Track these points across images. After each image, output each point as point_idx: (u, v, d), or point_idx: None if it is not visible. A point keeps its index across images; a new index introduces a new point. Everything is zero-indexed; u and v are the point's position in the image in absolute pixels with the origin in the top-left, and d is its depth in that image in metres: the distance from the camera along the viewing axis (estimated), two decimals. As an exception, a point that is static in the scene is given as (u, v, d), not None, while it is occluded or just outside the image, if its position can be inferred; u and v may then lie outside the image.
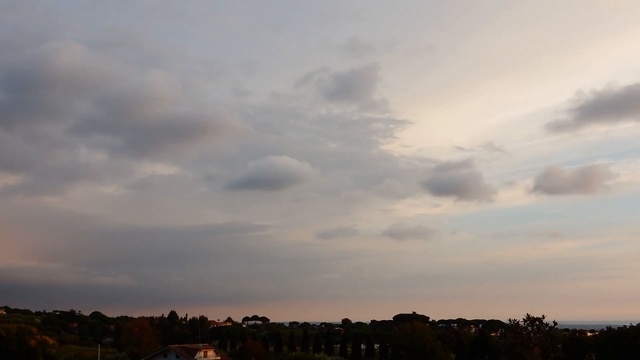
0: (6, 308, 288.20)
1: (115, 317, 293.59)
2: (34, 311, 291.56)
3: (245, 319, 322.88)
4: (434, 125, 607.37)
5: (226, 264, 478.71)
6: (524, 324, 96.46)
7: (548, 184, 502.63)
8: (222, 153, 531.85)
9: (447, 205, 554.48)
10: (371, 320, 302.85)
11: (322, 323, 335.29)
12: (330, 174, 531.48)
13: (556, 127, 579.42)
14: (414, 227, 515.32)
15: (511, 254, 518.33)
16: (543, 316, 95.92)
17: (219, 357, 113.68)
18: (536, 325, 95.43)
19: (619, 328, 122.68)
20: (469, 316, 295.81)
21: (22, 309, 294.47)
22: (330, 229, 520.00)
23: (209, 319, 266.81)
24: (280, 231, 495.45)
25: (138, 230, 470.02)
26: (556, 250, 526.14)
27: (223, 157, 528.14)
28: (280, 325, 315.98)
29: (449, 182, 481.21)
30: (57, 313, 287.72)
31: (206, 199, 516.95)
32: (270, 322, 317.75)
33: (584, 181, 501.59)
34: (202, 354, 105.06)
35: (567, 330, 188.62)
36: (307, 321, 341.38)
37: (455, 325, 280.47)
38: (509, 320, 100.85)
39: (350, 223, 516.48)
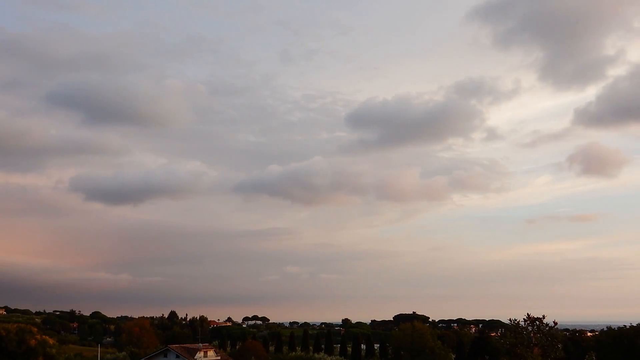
0: (6, 308, 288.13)
1: (115, 317, 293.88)
2: (34, 311, 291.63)
3: (245, 319, 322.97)
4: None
5: (226, 264, 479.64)
6: (524, 324, 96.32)
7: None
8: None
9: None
10: (371, 320, 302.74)
11: (322, 323, 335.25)
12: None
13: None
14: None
15: (512, 254, 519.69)
16: (543, 316, 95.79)
17: (219, 357, 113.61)
18: (536, 325, 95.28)
19: (619, 328, 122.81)
20: (469, 316, 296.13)
21: (22, 309, 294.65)
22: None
23: (209, 319, 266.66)
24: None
25: (138, 230, 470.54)
26: (557, 250, 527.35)
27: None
28: (280, 325, 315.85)
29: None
30: (57, 313, 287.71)
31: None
32: (270, 322, 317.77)
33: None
34: (202, 354, 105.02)
35: (567, 330, 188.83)
36: (307, 321, 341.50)
37: (455, 325, 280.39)
38: (509, 320, 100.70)
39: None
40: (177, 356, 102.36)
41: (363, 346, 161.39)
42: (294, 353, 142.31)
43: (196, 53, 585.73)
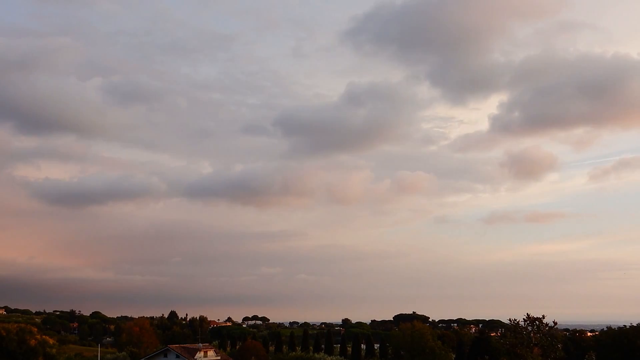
0: (6, 308, 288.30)
1: (115, 317, 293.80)
2: (34, 311, 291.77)
3: (245, 319, 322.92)
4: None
5: (226, 264, 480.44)
6: (524, 324, 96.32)
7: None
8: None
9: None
10: (371, 320, 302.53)
11: (322, 323, 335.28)
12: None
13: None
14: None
15: (512, 254, 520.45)
16: (543, 316, 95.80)
17: (219, 357, 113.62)
18: (536, 325, 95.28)
19: (619, 328, 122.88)
20: (469, 316, 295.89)
21: (22, 309, 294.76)
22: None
23: (209, 319, 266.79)
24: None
25: (138, 231, 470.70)
26: (556, 250, 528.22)
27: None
28: (280, 325, 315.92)
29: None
30: (57, 313, 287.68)
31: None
32: (270, 322, 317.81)
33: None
34: (202, 354, 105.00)
35: (567, 330, 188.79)
36: (307, 321, 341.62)
37: (455, 325, 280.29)
38: (509, 320, 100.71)
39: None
40: (177, 356, 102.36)
41: (363, 346, 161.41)
42: (294, 353, 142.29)
43: (208, 50, 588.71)
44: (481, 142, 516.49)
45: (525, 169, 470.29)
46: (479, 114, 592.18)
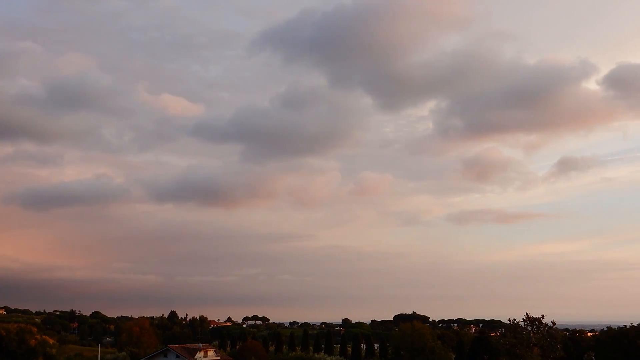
0: (6, 308, 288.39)
1: (115, 317, 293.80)
2: (34, 311, 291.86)
3: (245, 319, 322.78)
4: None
5: (226, 264, 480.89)
6: (524, 324, 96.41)
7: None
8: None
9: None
10: (371, 320, 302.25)
11: (322, 323, 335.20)
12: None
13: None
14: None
15: (511, 254, 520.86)
16: (542, 316, 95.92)
17: (219, 357, 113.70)
18: (536, 325, 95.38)
19: (619, 328, 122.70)
20: (469, 316, 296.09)
21: (22, 309, 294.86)
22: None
23: (209, 319, 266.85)
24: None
25: (137, 231, 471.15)
26: (556, 251, 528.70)
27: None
28: (280, 325, 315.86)
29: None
30: (57, 313, 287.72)
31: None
32: (270, 322, 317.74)
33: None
34: (202, 354, 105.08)
35: (567, 330, 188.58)
36: (307, 321, 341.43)
37: (455, 325, 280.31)
38: (509, 320, 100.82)
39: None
40: (177, 356, 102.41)
41: (363, 346, 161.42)
42: (294, 353, 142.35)
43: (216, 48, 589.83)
44: (432, 146, 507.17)
45: (483, 173, 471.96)
46: (418, 119, 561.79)
